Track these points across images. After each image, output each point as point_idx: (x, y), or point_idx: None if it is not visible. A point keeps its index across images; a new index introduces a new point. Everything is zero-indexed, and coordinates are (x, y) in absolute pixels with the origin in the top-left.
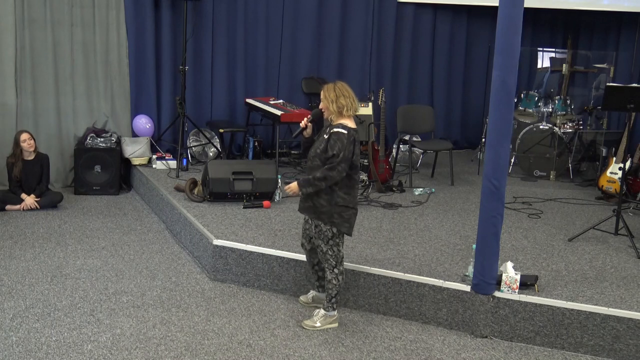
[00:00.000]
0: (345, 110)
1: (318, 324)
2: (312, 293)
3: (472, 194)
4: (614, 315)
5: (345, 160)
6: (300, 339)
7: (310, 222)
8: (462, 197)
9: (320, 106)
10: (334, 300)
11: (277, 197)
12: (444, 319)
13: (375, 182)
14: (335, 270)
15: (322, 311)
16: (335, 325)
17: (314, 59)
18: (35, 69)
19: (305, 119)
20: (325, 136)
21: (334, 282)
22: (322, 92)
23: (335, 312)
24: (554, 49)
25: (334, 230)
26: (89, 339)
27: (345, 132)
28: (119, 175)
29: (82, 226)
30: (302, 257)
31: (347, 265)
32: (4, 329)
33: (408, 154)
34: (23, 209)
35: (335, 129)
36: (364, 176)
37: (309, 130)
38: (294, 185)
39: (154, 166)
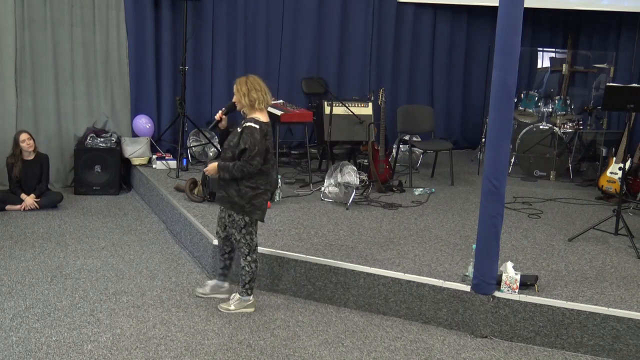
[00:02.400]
0: (257, 104)
1: (232, 307)
2: (210, 282)
3: (472, 194)
4: (614, 315)
5: (259, 154)
6: (300, 339)
7: (224, 211)
8: (462, 197)
9: (234, 99)
10: (247, 286)
11: (277, 197)
12: (444, 319)
13: (375, 182)
14: (249, 258)
15: (237, 295)
16: (251, 310)
17: (314, 59)
18: (35, 69)
19: (220, 111)
20: (239, 129)
21: (247, 269)
22: (234, 86)
23: (251, 298)
24: (554, 49)
25: (247, 219)
26: (89, 339)
27: (257, 126)
28: (119, 175)
29: (82, 226)
30: (302, 256)
31: (347, 265)
32: (4, 329)
33: (408, 154)
34: (23, 209)
35: (247, 123)
36: (364, 176)
37: (224, 123)
38: (213, 165)
39: (154, 166)
